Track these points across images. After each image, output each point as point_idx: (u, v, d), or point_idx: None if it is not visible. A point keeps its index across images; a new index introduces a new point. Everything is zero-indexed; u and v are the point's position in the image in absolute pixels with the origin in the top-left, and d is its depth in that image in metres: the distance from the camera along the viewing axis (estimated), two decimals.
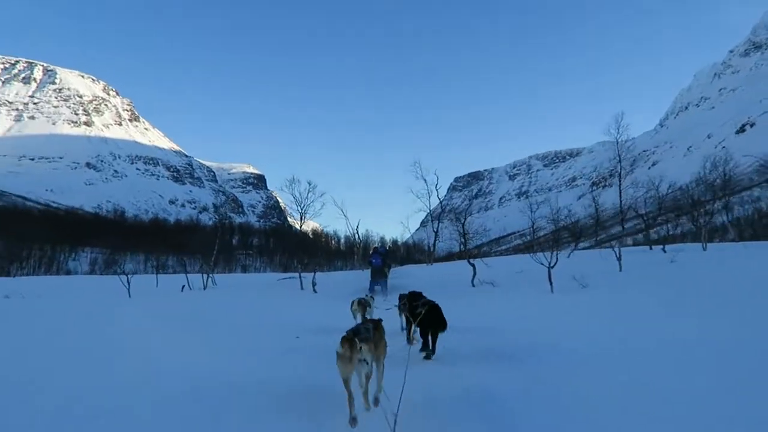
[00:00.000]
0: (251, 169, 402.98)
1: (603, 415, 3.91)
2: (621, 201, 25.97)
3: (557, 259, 14.94)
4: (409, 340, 7.22)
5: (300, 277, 21.32)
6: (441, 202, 37.50)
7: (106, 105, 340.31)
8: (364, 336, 4.21)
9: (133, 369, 5.63)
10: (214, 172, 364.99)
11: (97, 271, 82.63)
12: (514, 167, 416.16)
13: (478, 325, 9.18)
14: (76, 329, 8.24)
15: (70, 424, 3.93)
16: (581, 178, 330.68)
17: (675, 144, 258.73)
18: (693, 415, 3.75)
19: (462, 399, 4.53)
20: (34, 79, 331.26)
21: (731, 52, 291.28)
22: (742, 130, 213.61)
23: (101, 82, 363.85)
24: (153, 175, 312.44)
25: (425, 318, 6.45)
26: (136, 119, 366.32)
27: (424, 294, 7.63)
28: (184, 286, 20.71)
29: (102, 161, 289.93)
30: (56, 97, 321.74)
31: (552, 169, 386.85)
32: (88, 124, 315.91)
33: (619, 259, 16.38)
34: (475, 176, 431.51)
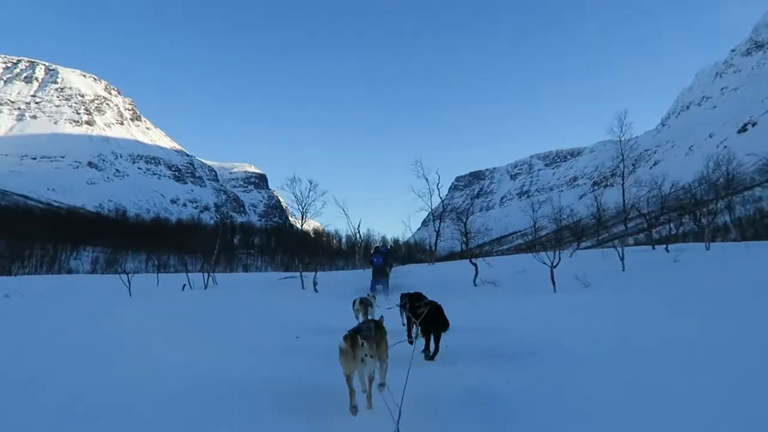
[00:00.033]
0: (253, 169, 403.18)
1: (605, 414, 3.88)
2: (624, 200, 25.83)
3: (560, 258, 14.90)
4: (410, 340, 7.19)
5: (301, 276, 21.29)
6: (442, 201, 37.47)
7: (107, 104, 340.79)
8: (366, 334, 4.24)
9: (134, 368, 5.61)
10: (215, 172, 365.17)
11: (98, 270, 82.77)
12: (515, 167, 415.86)
13: (480, 324, 9.15)
14: (77, 328, 8.25)
15: (72, 423, 3.91)
16: (582, 177, 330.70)
17: (676, 143, 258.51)
18: (695, 415, 3.73)
19: (463, 398, 4.51)
20: (36, 79, 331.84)
21: (733, 51, 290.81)
22: (743, 129, 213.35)
23: (103, 82, 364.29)
24: (155, 174, 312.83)
25: (427, 318, 6.40)
26: (138, 118, 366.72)
27: (425, 295, 7.60)
28: (185, 286, 20.69)
29: (104, 160, 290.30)
30: (58, 97, 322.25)
31: (553, 168, 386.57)
32: (89, 123, 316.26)
33: (622, 258, 16.35)
34: (477, 176, 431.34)
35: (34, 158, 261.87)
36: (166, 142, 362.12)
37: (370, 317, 9.28)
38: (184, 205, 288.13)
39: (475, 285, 17.06)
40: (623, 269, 15.77)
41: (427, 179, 35.51)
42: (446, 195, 37.57)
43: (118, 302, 13.08)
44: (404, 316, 7.95)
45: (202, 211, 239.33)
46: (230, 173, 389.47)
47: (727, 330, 6.65)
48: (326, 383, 4.78)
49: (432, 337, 6.39)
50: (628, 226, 24.99)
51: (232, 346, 7.48)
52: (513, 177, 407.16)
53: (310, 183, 25.04)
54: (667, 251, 19.71)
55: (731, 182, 25.64)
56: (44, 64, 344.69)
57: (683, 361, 5.29)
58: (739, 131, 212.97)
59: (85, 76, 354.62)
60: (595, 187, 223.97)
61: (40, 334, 7.73)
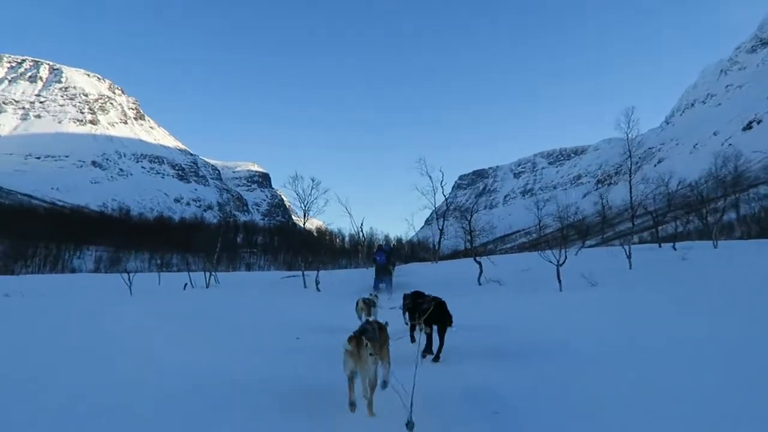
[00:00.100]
0: (256, 168, 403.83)
1: (611, 413, 3.84)
2: (631, 197, 25.59)
3: (566, 256, 14.76)
4: (412, 338, 7.11)
5: (303, 275, 21.20)
6: (446, 199, 37.30)
7: (111, 104, 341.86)
8: (371, 335, 4.26)
9: (135, 367, 5.60)
10: (218, 171, 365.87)
11: (101, 269, 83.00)
12: (518, 165, 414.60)
13: (484, 323, 9.09)
14: (77, 328, 8.24)
15: (73, 422, 3.89)
16: (586, 175, 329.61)
17: (681, 141, 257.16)
18: (702, 414, 3.69)
19: (467, 397, 4.49)
20: (41, 78, 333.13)
21: (738, 48, 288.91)
22: (749, 127, 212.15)
23: (107, 81, 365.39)
24: (158, 173, 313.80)
25: (432, 314, 6.35)
26: (142, 118, 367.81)
27: (426, 293, 7.53)
28: (186, 285, 20.66)
29: (107, 160, 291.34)
30: (62, 96, 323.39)
31: (557, 166, 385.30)
32: (93, 122, 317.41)
33: (629, 256, 16.20)
34: (480, 174, 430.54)
35: (38, 157, 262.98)
36: (169, 141, 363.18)
37: (373, 317, 9.22)
38: (188, 204, 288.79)
39: (480, 283, 16.96)
40: (630, 267, 15.65)
41: (430, 177, 35.30)
42: (449, 193, 37.34)
43: (119, 302, 13.03)
44: (406, 316, 7.87)
45: (205, 210, 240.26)
46: (233, 172, 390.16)
47: (735, 328, 6.60)
48: (328, 383, 4.77)
49: (437, 334, 6.33)
50: (635, 223, 24.73)
51: (233, 345, 7.45)
52: (516, 175, 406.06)
53: (313, 181, 25.01)
54: (674, 249, 19.55)
55: (738, 179, 25.42)
56: (48, 64, 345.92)
57: (691, 360, 5.24)
58: (744, 129, 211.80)
59: (89, 75, 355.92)
60: (599, 186, 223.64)
61: (41, 334, 7.70)
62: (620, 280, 13.91)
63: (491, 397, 4.39)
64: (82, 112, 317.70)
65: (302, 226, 30.48)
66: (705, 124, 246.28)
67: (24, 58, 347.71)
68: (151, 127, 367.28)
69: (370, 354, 3.98)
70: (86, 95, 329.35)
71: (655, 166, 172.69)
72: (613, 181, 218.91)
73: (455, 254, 53.93)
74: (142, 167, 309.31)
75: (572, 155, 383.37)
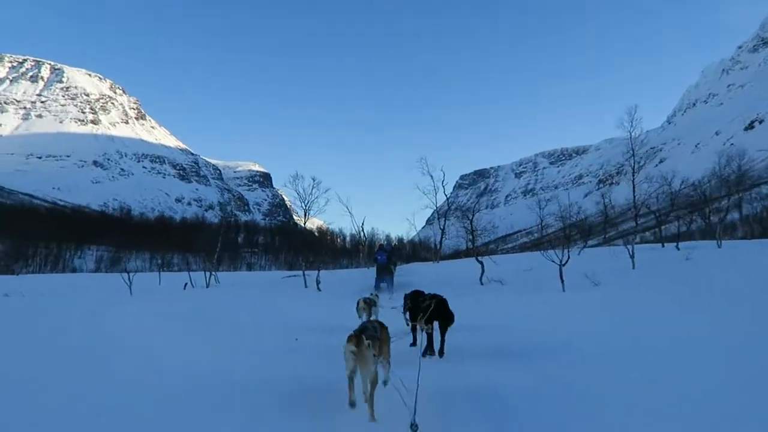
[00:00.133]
0: (257, 167, 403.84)
1: (613, 413, 3.82)
2: (635, 196, 25.42)
3: (569, 256, 14.69)
4: (414, 340, 7.08)
5: (304, 275, 21.14)
6: (447, 199, 37.20)
7: (112, 103, 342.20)
8: (371, 334, 4.28)
9: (135, 367, 5.60)
10: (220, 171, 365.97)
11: (102, 269, 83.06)
12: (520, 165, 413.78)
13: (486, 323, 9.06)
14: (77, 328, 8.25)
15: (73, 422, 3.88)
16: (588, 175, 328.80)
17: (682, 141, 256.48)
18: (705, 414, 3.67)
19: (468, 397, 4.47)
20: (42, 78, 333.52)
21: (740, 47, 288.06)
22: (750, 126, 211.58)
23: (108, 81, 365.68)
24: (159, 173, 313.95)
25: (434, 312, 6.37)
26: (143, 117, 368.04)
27: (426, 293, 7.53)
28: (186, 284, 20.63)
29: (109, 159, 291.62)
30: (63, 96, 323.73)
31: (558, 166, 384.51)
32: (95, 122, 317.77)
33: (632, 256, 16.11)
34: (481, 174, 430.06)
35: (40, 157, 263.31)
36: (170, 141, 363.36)
37: (374, 317, 9.17)
38: (189, 204, 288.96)
39: (482, 283, 16.91)
40: (633, 267, 15.56)
41: (431, 176, 35.27)
42: (451, 193, 37.22)
43: (119, 301, 13.02)
44: (407, 315, 7.84)
45: (206, 210, 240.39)
46: (235, 172, 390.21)
47: (739, 329, 6.58)
48: (328, 383, 4.78)
49: (438, 332, 6.36)
50: (638, 222, 24.60)
51: (232, 345, 7.44)
52: (518, 175, 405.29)
53: (313, 180, 24.99)
54: (678, 249, 19.43)
55: (742, 178, 25.26)
56: (50, 64, 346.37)
57: (694, 360, 5.24)
58: (746, 128, 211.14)
59: (90, 75, 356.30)
60: (601, 186, 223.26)
61: (41, 334, 7.70)
62: (623, 280, 13.85)
63: (493, 397, 4.37)
64: (84, 112, 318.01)
65: (303, 225, 30.44)
66: (707, 124, 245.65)
67: (25, 57, 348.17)
68: (152, 127, 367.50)
69: (373, 355, 3.99)
70: (87, 95, 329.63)
71: (656, 165, 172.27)
72: (614, 181, 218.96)
73: (456, 254, 53.84)
74: (144, 167, 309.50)
75: (573, 155, 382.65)
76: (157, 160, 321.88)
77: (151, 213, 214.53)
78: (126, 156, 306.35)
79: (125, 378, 5.11)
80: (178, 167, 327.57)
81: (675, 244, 21.17)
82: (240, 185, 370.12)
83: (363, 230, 42.69)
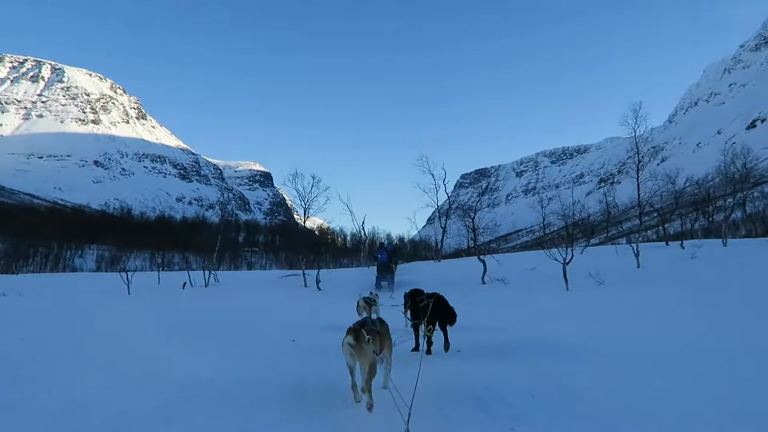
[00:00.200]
0: (258, 167, 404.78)
1: (616, 414, 3.71)
2: (639, 194, 25.09)
3: (572, 255, 14.45)
4: (417, 344, 6.85)
5: (303, 274, 20.89)
6: (449, 197, 36.90)
7: (113, 103, 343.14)
8: (371, 328, 4.29)
9: (132, 367, 5.60)
10: (220, 170, 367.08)
11: (103, 268, 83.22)
12: (521, 164, 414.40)
13: (488, 322, 8.95)
14: (76, 327, 8.40)
15: (73, 422, 3.83)
16: (589, 174, 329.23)
17: (684, 140, 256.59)
18: (708, 414, 3.59)
19: (468, 397, 4.38)
20: (42, 78, 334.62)
21: (741, 47, 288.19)
22: (752, 125, 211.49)
23: (108, 81, 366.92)
24: (160, 172, 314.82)
25: (433, 311, 6.29)
26: (144, 117, 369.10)
27: (425, 292, 7.43)
28: (185, 284, 20.44)
29: (109, 159, 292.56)
30: (64, 96, 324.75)
31: (559, 165, 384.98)
32: (95, 122, 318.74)
33: (637, 255, 15.85)
34: (482, 173, 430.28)
35: (41, 157, 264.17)
36: (171, 140, 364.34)
37: (374, 315, 8.92)
38: (190, 203, 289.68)
39: (484, 282, 16.76)
40: (638, 266, 15.31)
41: (432, 175, 34.96)
42: (452, 192, 36.98)
43: (115, 301, 12.84)
44: (408, 314, 7.62)
45: (207, 209, 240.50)
46: (235, 171, 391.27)
47: (746, 329, 6.52)
48: (327, 381, 4.78)
49: (440, 331, 6.35)
50: (642, 221, 24.30)
51: (231, 344, 7.41)
52: (519, 174, 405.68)
53: (313, 178, 24.70)
54: (683, 248, 19.14)
55: (747, 176, 24.91)
56: (50, 64, 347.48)
57: (701, 362, 5.07)
58: (748, 127, 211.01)
59: (90, 75, 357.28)
60: (602, 185, 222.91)
61: (40, 334, 7.74)
62: (628, 279, 13.74)
63: (493, 398, 4.27)
64: (84, 112, 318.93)
65: (302, 224, 30.21)
66: (708, 123, 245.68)
67: (26, 58, 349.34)
68: (153, 127, 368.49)
69: (374, 352, 4.00)
70: (88, 95, 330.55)
71: (658, 164, 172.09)
72: (615, 180, 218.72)
73: (458, 253, 53.62)
74: (144, 166, 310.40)
75: (575, 154, 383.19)
76: (158, 159, 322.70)
77: (152, 212, 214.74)
78: (127, 156, 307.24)
79: (123, 378, 5.08)
80: (178, 167, 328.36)
81: (680, 242, 20.90)
82: (241, 185, 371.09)
83: (363, 229, 42.42)
